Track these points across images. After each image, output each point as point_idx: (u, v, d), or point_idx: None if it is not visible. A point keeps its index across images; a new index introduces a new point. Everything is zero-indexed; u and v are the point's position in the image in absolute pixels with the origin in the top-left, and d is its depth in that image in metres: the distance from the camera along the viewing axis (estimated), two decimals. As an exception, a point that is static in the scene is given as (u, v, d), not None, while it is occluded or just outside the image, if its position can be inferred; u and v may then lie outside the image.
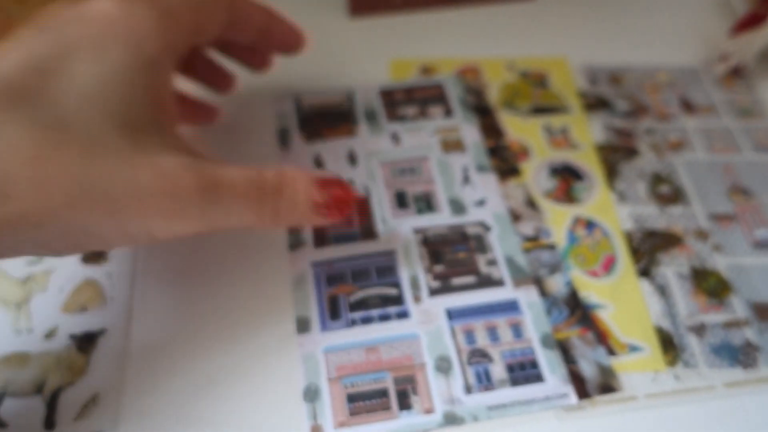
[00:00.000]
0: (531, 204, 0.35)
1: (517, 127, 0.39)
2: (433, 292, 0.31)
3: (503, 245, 0.33)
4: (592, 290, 0.32)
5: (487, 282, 0.32)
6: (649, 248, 0.33)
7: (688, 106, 0.41)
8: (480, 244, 0.33)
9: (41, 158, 0.20)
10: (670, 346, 0.30)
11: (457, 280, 0.32)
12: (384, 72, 0.42)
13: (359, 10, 0.47)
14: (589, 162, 0.37)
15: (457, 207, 0.34)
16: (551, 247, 0.33)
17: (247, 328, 0.31)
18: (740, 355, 0.30)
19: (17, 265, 0.32)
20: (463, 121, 0.38)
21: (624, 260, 0.33)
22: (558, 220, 0.35)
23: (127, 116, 0.22)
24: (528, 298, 0.31)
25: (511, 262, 0.32)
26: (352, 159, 0.36)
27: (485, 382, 0.29)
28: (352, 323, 0.30)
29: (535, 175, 0.37)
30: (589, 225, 0.34)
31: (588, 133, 0.39)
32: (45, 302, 0.31)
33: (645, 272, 0.33)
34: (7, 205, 0.20)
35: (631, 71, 0.43)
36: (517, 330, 0.30)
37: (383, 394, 0.28)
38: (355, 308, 0.31)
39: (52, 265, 0.32)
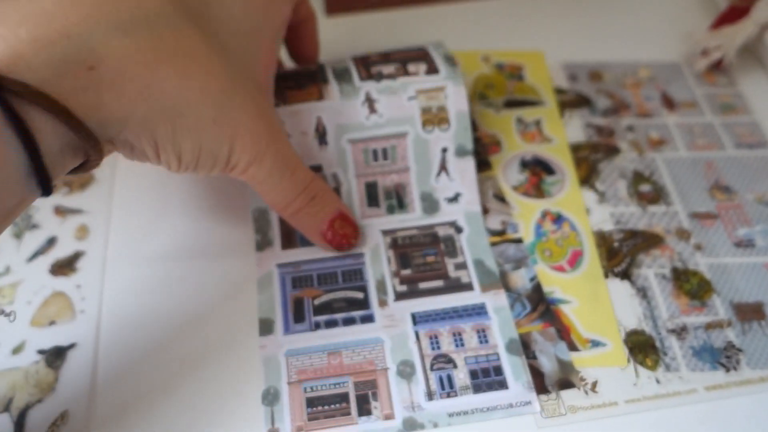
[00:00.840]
0: (499, 197, 0.35)
1: (490, 120, 0.38)
2: (399, 296, 0.31)
3: (473, 247, 0.32)
4: (557, 285, 0.31)
5: (455, 286, 0.31)
6: (630, 249, 0.33)
7: (669, 102, 0.40)
8: (450, 248, 0.32)
9: (202, 73, 0.25)
10: (651, 349, 0.30)
11: (424, 285, 0.31)
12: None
13: (335, 8, 0.46)
14: (561, 156, 0.37)
15: (430, 204, 0.33)
16: (518, 241, 0.33)
17: (212, 330, 0.30)
18: (722, 358, 0.29)
19: (-20, 278, 0.31)
20: (449, 80, 0.33)
21: (591, 255, 0.33)
22: (526, 214, 0.34)
23: (258, 54, 0.28)
24: (495, 302, 0.30)
25: (480, 266, 0.31)
26: (321, 135, 0.32)
27: (447, 388, 0.28)
28: (316, 326, 0.30)
29: (504, 168, 0.36)
30: (558, 219, 0.34)
31: (561, 126, 0.38)
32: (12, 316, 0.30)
33: (626, 274, 0.32)
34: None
35: (612, 67, 0.42)
36: (482, 336, 0.29)
37: (343, 399, 0.28)
38: (320, 311, 0.30)
39: (20, 277, 0.32)
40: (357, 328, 0.30)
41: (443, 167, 0.33)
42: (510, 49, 0.43)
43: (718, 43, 0.40)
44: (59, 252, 0.33)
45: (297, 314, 0.30)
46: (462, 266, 0.31)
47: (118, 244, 0.33)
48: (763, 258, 0.33)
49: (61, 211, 0.34)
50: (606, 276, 0.32)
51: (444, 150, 0.33)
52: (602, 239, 0.33)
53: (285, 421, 0.27)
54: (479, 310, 0.30)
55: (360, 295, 0.31)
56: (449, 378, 0.28)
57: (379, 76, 0.33)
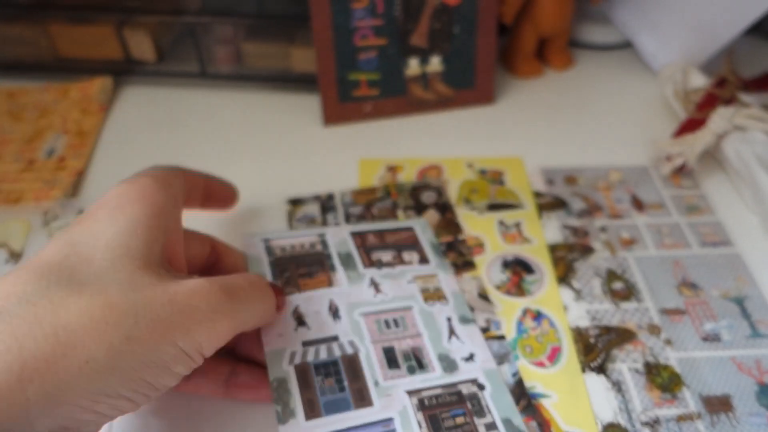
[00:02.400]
0: (483, 297, 0.37)
1: (474, 223, 0.42)
2: None
3: (498, 406, 0.32)
4: (537, 380, 0.34)
5: None
6: (604, 345, 0.35)
7: (638, 204, 0.44)
8: (476, 406, 0.32)
9: (90, 310, 0.24)
10: (626, 442, 0.32)
11: None
12: (354, 170, 0.46)
13: (332, 119, 0.50)
14: (540, 256, 0.40)
15: (448, 364, 0.33)
16: (501, 338, 0.35)
17: None
18: (694, 450, 0.31)
19: None
20: (439, 269, 0.38)
21: (569, 350, 0.35)
22: (508, 312, 0.37)
23: (147, 256, 0.27)
24: None
25: (509, 425, 0.31)
26: (335, 313, 0.35)
27: None
28: None
29: (488, 269, 0.39)
30: (538, 316, 0.37)
31: (540, 228, 0.42)
32: None
33: (601, 369, 0.34)
34: (74, 356, 0.23)
35: (586, 171, 0.46)
36: None
37: None
38: None
39: None
40: None
41: (452, 332, 0.35)
42: (491, 156, 0.47)
43: (681, 149, 0.45)
44: None
45: None
46: (492, 426, 0.31)
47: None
48: (729, 352, 0.35)
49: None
50: (583, 371, 0.34)
51: (449, 319, 0.36)
52: (579, 335, 0.36)
53: None
54: None
55: None
56: None
57: (380, 264, 0.38)
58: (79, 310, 0.23)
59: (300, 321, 0.34)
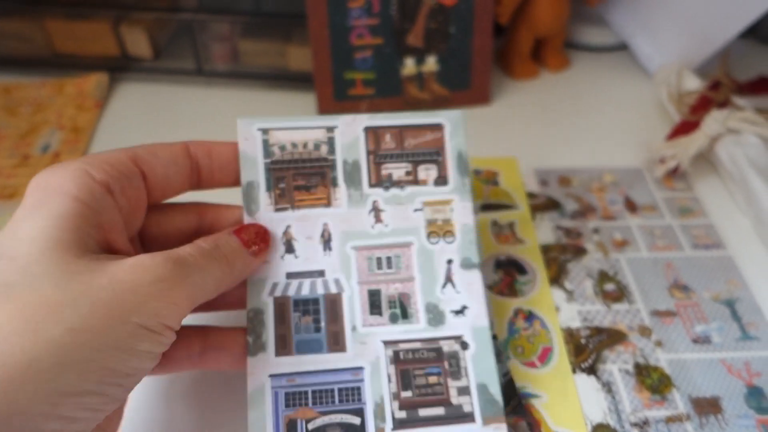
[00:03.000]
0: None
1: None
2: (398, 425, 0.29)
3: (478, 369, 0.31)
4: (528, 380, 0.34)
5: (456, 416, 0.30)
6: (595, 346, 0.36)
7: (632, 206, 0.44)
8: (454, 367, 0.31)
9: (23, 311, 0.22)
10: (615, 442, 0.32)
11: (424, 411, 0.30)
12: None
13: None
14: (533, 257, 0.40)
15: (435, 315, 0.32)
16: (493, 338, 0.35)
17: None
18: (682, 451, 0.31)
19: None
20: (457, 193, 0.33)
21: (560, 351, 0.35)
22: (500, 312, 0.37)
23: (78, 244, 0.24)
24: None
25: (484, 392, 0.30)
26: (327, 242, 0.32)
27: None
28: None
29: (481, 269, 0.39)
30: (529, 317, 0.37)
31: (533, 229, 0.42)
32: None
33: (591, 370, 0.35)
34: (13, 363, 0.21)
35: (580, 173, 0.46)
36: None
37: None
38: None
39: None
40: None
41: (449, 278, 0.32)
42: (486, 157, 0.47)
43: (674, 152, 0.45)
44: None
45: None
46: (465, 391, 0.30)
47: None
48: (719, 354, 0.36)
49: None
50: (574, 371, 0.35)
51: (449, 261, 0.32)
52: (570, 336, 0.36)
53: None
54: None
55: (357, 420, 0.29)
56: None
57: (389, 183, 0.33)
58: (9, 313, 0.22)
59: (289, 247, 0.32)
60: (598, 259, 0.40)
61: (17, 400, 0.21)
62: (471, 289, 0.32)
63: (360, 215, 0.33)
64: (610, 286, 0.39)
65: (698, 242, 0.42)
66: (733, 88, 0.48)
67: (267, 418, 0.29)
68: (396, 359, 0.31)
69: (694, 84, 0.49)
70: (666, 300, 0.38)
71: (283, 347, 0.30)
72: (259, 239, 0.31)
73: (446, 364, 0.31)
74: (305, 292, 0.31)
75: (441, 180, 0.33)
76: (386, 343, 0.31)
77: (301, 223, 0.32)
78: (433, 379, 0.30)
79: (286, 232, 0.32)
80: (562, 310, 0.37)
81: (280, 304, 0.31)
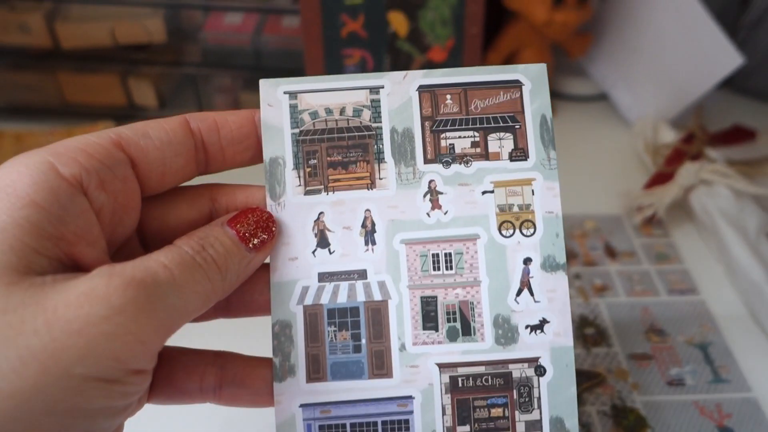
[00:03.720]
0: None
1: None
2: None
3: (555, 400, 0.26)
4: None
5: None
6: (576, 388, 0.38)
7: (611, 252, 0.47)
8: (524, 397, 0.26)
9: None
10: (593, 482, 0.34)
11: None
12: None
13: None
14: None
15: (505, 332, 0.26)
16: None
17: None
18: (656, 490, 0.33)
19: None
20: (540, 170, 0.26)
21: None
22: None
23: (20, 264, 0.19)
24: None
25: (558, 428, 0.26)
26: (369, 233, 0.26)
27: None
28: None
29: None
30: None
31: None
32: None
33: (571, 412, 0.37)
34: None
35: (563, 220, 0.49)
36: None
37: None
38: None
39: None
40: None
41: (526, 283, 0.26)
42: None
43: (651, 201, 0.47)
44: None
45: None
46: (535, 426, 0.26)
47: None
48: (692, 396, 0.38)
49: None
50: (555, 413, 0.37)
51: (527, 261, 0.26)
52: (552, 379, 0.38)
53: None
54: None
55: None
56: None
57: (450, 157, 0.26)
58: None
59: (322, 240, 0.26)
60: (579, 303, 0.43)
61: None
62: (554, 297, 0.26)
63: (412, 199, 0.26)
64: (590, 331, 0.41)
65: (674, 287, 0.44)
66: (706, 140, 0.51)
67: None
68: (453, 387, 0.26)
69: (669, 136, 0.52)
70: (642, 344, 0.40)
71: (315, 371, 0.25)
72: (260, 229, 0.25)
73: (515, 393, 0.26)
74: (342, 299, 0.26)
75: (519, 153, 0.27)
76: (442, 367, 0.26)
77: (337, 210, 0.26)
78: (497, 412, 0.26)
79: (318, 221, 0.26)
80: (544, 353, 0.40)
81: (312, 315, 0.26)
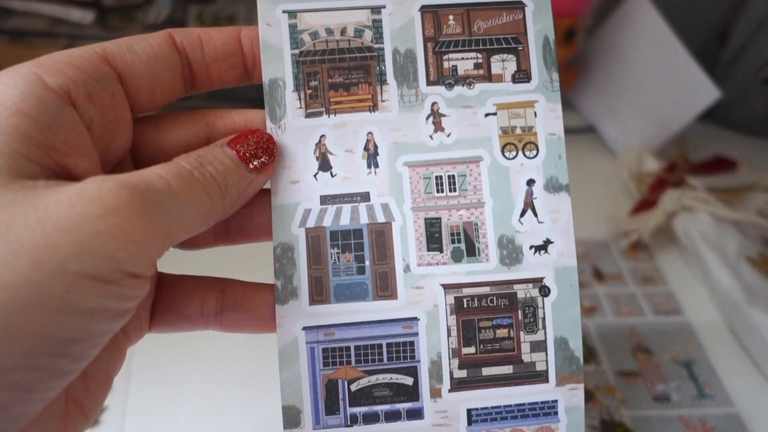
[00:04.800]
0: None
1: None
2: (457, 385, 0.25)
3: (559, 320, 0.26)
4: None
5: (526, 375, 0.26)
6: (565, 403, 0.40)
7: (599, 275, 0.49)
8: (529, 318, 0.26)
9: None
10: (583, 492, 0.35)
11: (489, 370, 0.26)
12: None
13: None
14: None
15: (509, 252, 0.26)
16: None
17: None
18: (643, 499, 0.35)
19: None
20: (542, 92, 0.26)
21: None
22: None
23: (10, 168, 0.19)
24: (570, 400, 0.26)
25: (562, 347, 0.26)
26: (372, 156, 0.26)
27: None
28: (353, 421, 0.25)
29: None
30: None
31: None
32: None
33: (562, 425, 0.38)
34: None
35: (552, 245, 0.51)
36: None
37: None
38: (358, 401, 0.25)
39: None
40: (401, 426, 0.25)
41: (529, 204, 0.26)
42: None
43: (636, 226, 0.50)
44: None
45: (329, 402, 0.25)
46: (540, 347, 0.26)
47: (137, 399, 0.39)
48: (677, 411, 0.39)
49: (89, 370, 0.41)
50: (546, 427, 0.38)
51: (530, 182, 0.26)
52: (543, 395, 0.40)
53: None
54: (549, 409, 0.26)
55: (409, 380, 0.25)
56: None
57: (453, 79, 0.26)
58: None
59: (324, 163, 0.26)
60: (569, 324, 0.45)
61: None
62: (557, 218, 0.26)
63: (415, 122, 0.26)
64: (579, 349, 0.43)
65: (659, 308, 0.46)
66: (688, 169, 0.53)
67: (302, 379, 0.25)
68: (458, 308, 0.26)
69: (652, 166, 0.55)
70: (629, 361, 0.42)
71: (318, 293, 0.25)
72: (261, 150, 0.24)
73: (520, 314, 0.26)
74: (344, 221, 0.26)
75: (521, 75, 0.26)
76: (446, 288, 0.26)
77: (338, 132, 0.26)
78: (502, 332, 0.26)
79: (319, 144, 0.26)
80: (536, 371, 0.41)
81: (314, 237, 0.26)
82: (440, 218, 0.26)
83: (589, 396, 0.40)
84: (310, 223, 0.26)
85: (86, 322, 0.18)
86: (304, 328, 0.25)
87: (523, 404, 0.26)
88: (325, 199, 0.26)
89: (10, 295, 0.17)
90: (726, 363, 0.42)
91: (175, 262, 0.26)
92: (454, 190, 0.26)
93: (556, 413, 0.26)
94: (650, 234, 0.49)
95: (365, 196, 0.26)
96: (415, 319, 0.26)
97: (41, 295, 0.17)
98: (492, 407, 0.26)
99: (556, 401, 0.26)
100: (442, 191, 0.26)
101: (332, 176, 0.26)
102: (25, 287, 0.17)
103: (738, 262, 0.46)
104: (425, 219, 0.26)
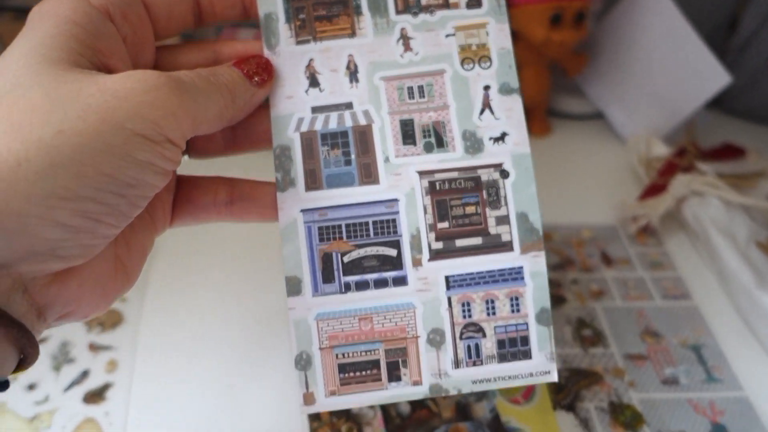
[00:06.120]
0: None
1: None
2: (434, 255, 0.30)
3: (518, 198, 0.30)
4: (512, 415, 0.37)
5: (494, 245, 0.30)
6: (574, 385, 0.39)
7: (607, 259, 0.48)
8: (492, 196, 0.30)
9: (10, 115, 0.21)
10: (592, 473, 0.35)
11: (461, 242, 0.30)
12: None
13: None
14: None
15: (472, 143, 0.30)
16: None
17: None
18: (652, 481, 0.35)
19: (25, 405, 0.37)
20: (492, 15, 0.31)
21: (542, 389, 0.39)
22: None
23: (71, 59, 0.24)
24: (534, 266, 0.30)
25: (523, 220, 0.30)
26: (353, 74, 0.31)
27: (474, 357, 0.29)
28: (346, 288, 0.29)
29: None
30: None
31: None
32: (48, 439, 0.35)
33: (570, 407, 0.38)
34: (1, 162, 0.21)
35: (560, 229, 0.51)
36: (515, 303, 0.30)
37: (374, 365, 0.29)
38: (350, 270, 0.29)
39: (57, 405, 0.37)
40: (389, 291, 0.29)
41: (487, 105, 0.31)
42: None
43: (645, 211, 0.49)
44: (91, 383, 0.38)
45: (326, 272, 0.29)
46: (504, 221, 0.30)
47: (142, 376, 0.39)
48: (686, 394, 0.39)
49: (94, 347, 0.40)
50: (554, 408, 0.38)
51: (486, 87, 0.31)
52: (551, 376, 0.40)
53: (319, 385, 0.29)
54: (516, 275, 0.30)
55: (393, 252, 0.30)
56: (477, 347, 0.29)
57: (417, 7, 0.31)
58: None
59: (313, 81, 0.31)
60: (576, 307, 0.44)
61: (8, 200, 0.20)
62: (511, 115, 0.31)
63: (387, 44, 0.31)
64: (587, 332, 0.43)
65: (667, 293, 0.46)
66: (697, 154, 0.53)
67: (301, 252, 0.29)
68: (432, 189, 0.30)
69: (661, 151, 0.54)
70: (638, 344, 0.42)
71: (313, 182, 0.30)
72: (261, 69, 0.29)
73: (484, 194, 0.30)
74: (332, 125, 0.30)
75: (474, 2, 0.32)
76: (421, 174, 0.30)
77: (324, 56, 0.31)
78: (470, 209, 0.30)
79: (309, 66, 0.31)
80: (544, 353, 0.41)
81: (307, 139, 0.30)
82: (413, 119, 0.31)
83: (597, 378, 0.40)
84: (304, 128, 0.30)
85: (139, 172, 0.23)
86: (302, 210, 0.30)
87: (493, 270, 0.30)
88: (316, 109, 0.31)
89: (84, 140, 0.21)
90: (735, 347, 0.42)
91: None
92: (423, 97, 0.31)
93: (522, 278, 0.30)
94: (659, 219, 0.49)
95: (349, 105, 0.31)
96: (396, 200, 0.30)
97: (107, 143, 0.22)
98: (466, 273, 0.29)
99: (521, 267, 0.30)
100: (413, 98, 0.31)
101: (321, 91, 0.31)
102: (94, 136, 0.22)
103: (748, 247, 0.45)
104: (400, 120, 0.31)
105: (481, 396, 0.38)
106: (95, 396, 0.38)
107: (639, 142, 0.55)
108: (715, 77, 0.55)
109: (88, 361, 0.40)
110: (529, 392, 0.39)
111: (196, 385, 0.38)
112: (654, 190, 0.50)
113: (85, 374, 0.39)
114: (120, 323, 0.42)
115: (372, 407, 0.37)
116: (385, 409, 0.37)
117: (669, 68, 0.58)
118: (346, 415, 0.37)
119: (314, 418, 0.37)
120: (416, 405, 0.38)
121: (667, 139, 0.58)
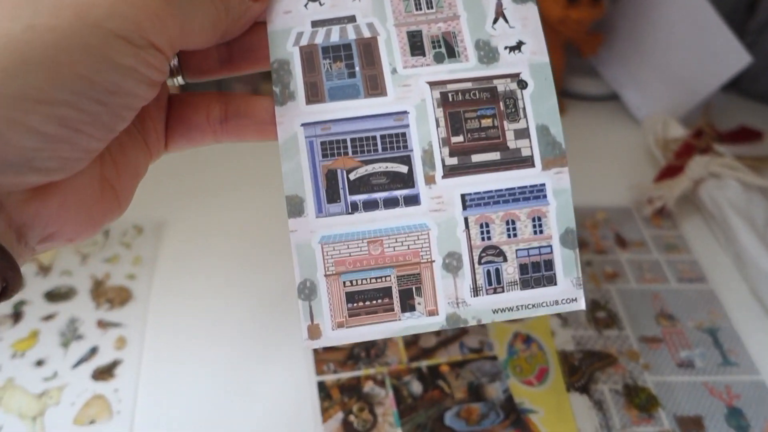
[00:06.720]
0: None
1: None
2: (449, 172, 0.27)
3: (538, 109, 0.27)
4: (526, 397, 0.37)
5: (513, 160, 0.27)
6: (588, 367, 0.39)
7: (622, 242, 0.48)
8: (510, 108, 0.27)
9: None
10: (606, 455, 0.35)
11: (477, 157, 0.27)
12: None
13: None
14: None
15: (486, 53, 0.28)
16: (493, 358, 0.39)
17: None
18: (667, 464, 0.34)
19: (33, 381, 0.37)
20: None
21: (555, 371, 0.38)
22: (500, 335, 0.40)
23: None
24: (558, 183, 0.27)
25: (544, 134, 0.27)
26: None
27: (495, 283, 0.27)
28: (353, 208, 0.27)
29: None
30: (527, 340, 0.40)
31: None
32: (58, 415, 0.35)
33: (584, 389, 0.38)
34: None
35: (575, 210, 0.50)
36: (538, 224, 0.27)
37: (386, 293, 0.26)
38: (357, 189, 0.27)
39: (66, 381, 0.37)
40: (400, 212, 0.27)
41: (500, 14, 0.29)
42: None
43: (661, 193, 0.49)
44: (100, 360, 0.38)
45: (330, 191, 0.27)
46: (523, 134, 0.27)
47: (151, 353, 0.39)
48: (702, 377, 0.39)
49: (103, 324, 0.40)
50: (568, 390, 0.37)
51: None
52: (565, 358, 0.39)
53: (325, 317, 0.26)
54: (538, 193, 0.27)
55: (404, 168, 0.27)
56: (497, 272, 0.27)
57: None
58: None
59: None
60: (591, 289, 0.44)
61: None
62: (527, 23, 0.28)
63: None
64: (601, 314, 0.42)
65: (683, 276, 0.45)
66: (714, 136, 0.52)
67: (303, 170, 0.27)
68: (444, 101, 0.27)
69: (678, 132, 0.53)
70: (653, 327, 0.41)
71: (314, 95, 0.27)
72: None
73: (501, 105, 0.27)
74: (334, 38, 0.28)
75: None
76: (432, 84, 0.28)
77: None
78: (486, 122, 0.27)
79: None
80: (557, 334, 0.41)
81: (308, 53, 0.28)
82: (421, 30, 0.28)
83: (611, 360, 0.39)
84: (303, 42, 0.28)
85: (120, 77, 0.21)
86: (303, 124, 0.27)
87: (513, 188, 0.27)
88: (316, 23, 0.28)
89: (56, 36, 0.20)
90: (752, 332, 0.41)
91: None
92: (431, 7, 0.28)
93: (545, 196, 0.27)
94: (675, 201, 0.48)
95: (352, 18, 0.28)
96: (405, 112, 0.27)
97: (83, 42, 0.20)
98: (484, 192, 0.27)
99: (543, 184, 0.27)
100: (421, 9, 0.28)
101: (321, 5, 0.28)
102: (68, 32, 0.20)
103: (766, 229, 0.45)
104: (407, 32, 0.28)
105: (494, 377, 0.38)
106: (104, 373, 0.37)
107: (656, 122, 0.54)
108: (735, 58, 0.54)
109: (96, 337, 0.39)
110: (542, 374, 0.38)
111: (205, 363, 0.38)
112: (670, 171, 0.49)
113: (93, 351, 0.38)
114: (129, 300, 0.42)
115: (383, 387, 0.37)
116: (396, 389, 0.37)
117: (687, 48, 0.56)
118: (357, 394, 0.36)
119: (325, 397, 0.36)
120: (428, 385, 0.37)
121: (683, 120, 0.57)
